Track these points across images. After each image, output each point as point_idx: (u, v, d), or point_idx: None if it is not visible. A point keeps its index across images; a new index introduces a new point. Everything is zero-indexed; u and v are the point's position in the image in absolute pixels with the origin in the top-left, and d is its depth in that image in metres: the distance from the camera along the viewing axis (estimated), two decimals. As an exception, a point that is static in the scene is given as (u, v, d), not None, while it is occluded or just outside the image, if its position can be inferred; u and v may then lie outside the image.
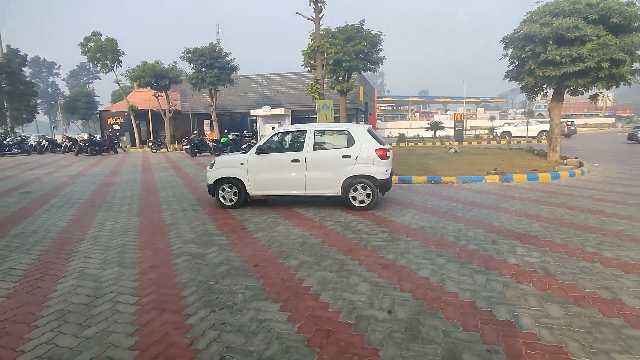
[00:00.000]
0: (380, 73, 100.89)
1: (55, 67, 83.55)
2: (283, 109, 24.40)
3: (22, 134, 33.63)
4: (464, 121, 31.28)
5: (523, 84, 13.68)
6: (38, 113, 46.75)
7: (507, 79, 14.59)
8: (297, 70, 32.50)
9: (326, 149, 7.25)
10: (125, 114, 32.88)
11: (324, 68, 16.43)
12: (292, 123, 27.49)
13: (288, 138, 7.71)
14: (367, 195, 7.03)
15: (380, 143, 7.19)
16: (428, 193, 8.76)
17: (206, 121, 34.17)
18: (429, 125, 39.35)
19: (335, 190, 7.10)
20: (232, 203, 7.50)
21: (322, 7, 15.67)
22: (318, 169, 7.11)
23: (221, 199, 7.56)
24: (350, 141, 7.11)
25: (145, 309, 3.38)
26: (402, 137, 31.67)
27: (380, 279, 3.91)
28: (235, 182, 7.44)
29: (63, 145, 27.34)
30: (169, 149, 28.57)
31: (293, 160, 7.18)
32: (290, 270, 4.22)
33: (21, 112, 34.37)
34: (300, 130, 7.51)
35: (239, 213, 7.07)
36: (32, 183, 11.89)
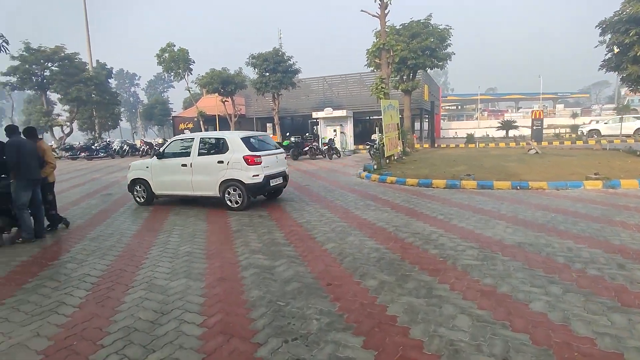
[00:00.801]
0: (444, 71, 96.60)
1: (136, 78, 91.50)
2: (345, 111, 23.94)
3: (108, 140, 36.91)
4: (543, 119, 28.42)
5: (625, 74, 11.81)
6: (121, 120, 51.31)
7: (604, 70, 12.74)
8: (359, 71, 31.98)
9: (207, 155, 8.01)
10: (195, 119, 34.63)
11: (390, 66, 15.71)
12: (354, 125, 26.96)
13: (181, 145, 8.52)
14: (239, 196, 7.64)
15: (255, 149, 7.75)
16: (515, 201, 7.70)
17: (269, 124, 34.87)
18: (500, 125, 36.54)
19: (215, 192, 7.83)
20: (143, 200, 8.72)
21: (388, 2, 14.95)
22: (201, 173, 7.92)
23: (136, 197, 8.86)
24: (225, 148, 7.79)
25: (212, 333, 3.03)
26: (470, 138, 29.65)
27: (482, 311, 3.21)
28: (144, 183, 8.60)
29: (141, 149, 29.43)
30: (234, 152, 29.47)
31: (182, 165, 8.10)
32: (370, 292, 3.66)
33: (107, 120, 37.75)
34: (190, 138, 8.37)
35: (306, 221, 6.67)
36: (112, 185, 12.64)
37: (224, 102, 30.39)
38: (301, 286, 3.87)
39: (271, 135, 31.35)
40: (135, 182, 8.79)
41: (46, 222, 6.57)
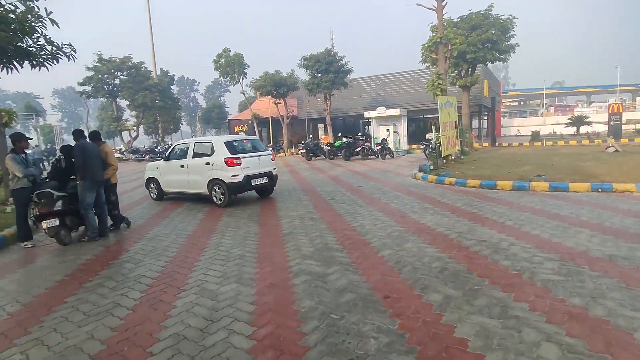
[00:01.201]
0: (504, 66, 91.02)
1: (196, 84, 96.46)
2: (398, 110, 23.20)
3: (169, 143, 39.14)
4: (622, 113, 25.53)
5: None
6: (182, 124, 54.32)
7: None
8: (412, 69, 30.96)
9: (199, 157, 8.87)
10: (249, 121, 35.61)
11: (447, 61, 14.86)
12: (408, 124, 26.08)
13: (180, 148, 9.50)
14: (222, 194, 8.47)
15: (236, 152, 8.52)
16: (598, 205, 6.78)
17: (320, 125, 34.93)
18: (570, 121, 33.57)
19: (205, 189, 8.74)
20: (155, 196, 10.04)
21: (446, -7, 14.15)
22: (194, 173, 8.87)
23: (150, 193, 10.22)
24: (212, 151, 8.66)
25: (261, 347, 2.83)
26: (536, 135, 27.48)
27: (573, 339, 2.70)
28: (155, 181, 9.88)
29: (199, 151, 30.80)
30: (286, 153, 29.86)
31: (181, 166, 9.13)
32: (433, 308, 3.27)
33: (169, 124, 40.05)
34: (187, 142, 9.47)
35: (359, 225, 6.35)
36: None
37: (276, 104, 30.89)
38: (356, 297, 3.56)
39: (323, 136, 31.49)
40: (149, 180, 10.17)
41: (109, 222, 6.89)
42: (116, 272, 4.66)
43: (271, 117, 33.81)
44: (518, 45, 20.28)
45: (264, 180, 9.00)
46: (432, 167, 13.12)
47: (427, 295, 3.53)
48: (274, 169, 9.35)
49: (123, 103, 40.42)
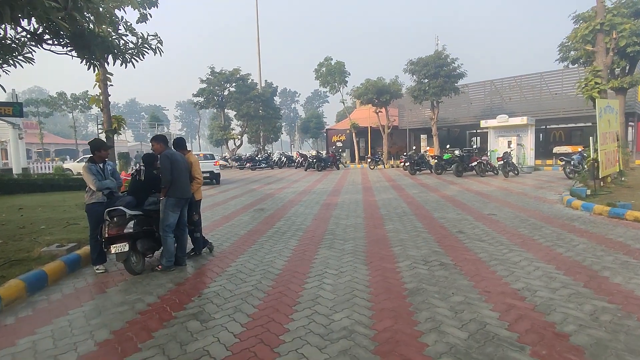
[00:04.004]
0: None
1: (297, 95, 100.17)
2: (525, 118, 19.50)
3: (269, 151, 40.08)
4: None
5: None
6: (282, 134, 55.88)
7: None
8: (534, 71, 26.49)
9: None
10: (348, 131, 34.47)
11: (611, 53, 11.39)
12: (535, 134, 22.06)
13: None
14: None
15: (213, 158, 18.80)
16: None
17: (423, 136, 32.13)
18: None
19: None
20: None
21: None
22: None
23: None
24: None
25: None
26: None
27: None
28: None
29: (296, 160, 30.52)
30: (385, 166, 27.81)
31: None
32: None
33: (269, 133, 41.06)
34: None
35: (524, 286, 4.12)
36: (266, 199, 12.21)
37: (377, 113, 29.14)
38: None
39: (427, 148, 28.67)
40: None
41: (190, 246, 5.78)
42: (173, 340, 3.26)
43: (370, 126, 32.16)
44: None
45: (207, 175, 16.58)
46: (588, 191, 9.90)
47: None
48: (216, 170, 17.93)
49: (231, 114, 42.82)
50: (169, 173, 5.00)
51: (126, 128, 12.70)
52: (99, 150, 5.19)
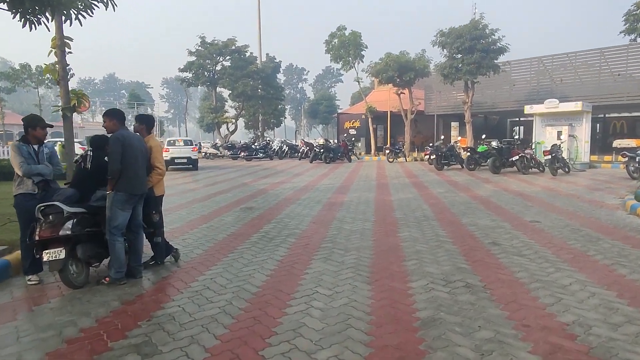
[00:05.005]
0: None
1: (305, 73, 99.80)
2: (580, 104, 18.81)
3: (268, 139, 39.82)
4: None
5: None
6: (285, 118, 55.56)
7: None
8: (593, 46, 25.65)
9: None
10: (363, 116, 33.99)
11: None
12: (591, 124, 21.37)
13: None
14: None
15: (192, 144, 22.48)
16: None
17: (454, 124, 31.48)
18: None
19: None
20: None
21: None
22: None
23: None
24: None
25: None
26: None
27: None
28: None
29: (300, 150, 30.19)
30: (407, 159, 27.30)
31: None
32: None
33: (270, 117, 40.77)
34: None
35: (576, 320, 3.68)
36: (258, 195, 11.92)
37: (399, 95, 28.58)
38: None
39: (459, 138, 28.07)
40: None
41: (150, 253, 5.45)
42: (103, 378, 2.91)
43: (390, 111, 31.60)
44: None
45: (185, 160, 20.87)
46: (659, 196, 9.34)
47: None
48: (193, 155, 21.27)
49: (225, 93, 42.61)
50: (118, 160, 4.63)
51: (87, 105, 12.34)
52: (34, 127, 4.85)
